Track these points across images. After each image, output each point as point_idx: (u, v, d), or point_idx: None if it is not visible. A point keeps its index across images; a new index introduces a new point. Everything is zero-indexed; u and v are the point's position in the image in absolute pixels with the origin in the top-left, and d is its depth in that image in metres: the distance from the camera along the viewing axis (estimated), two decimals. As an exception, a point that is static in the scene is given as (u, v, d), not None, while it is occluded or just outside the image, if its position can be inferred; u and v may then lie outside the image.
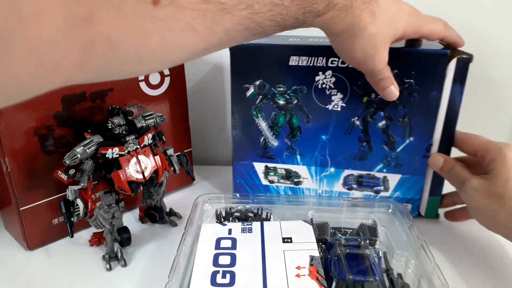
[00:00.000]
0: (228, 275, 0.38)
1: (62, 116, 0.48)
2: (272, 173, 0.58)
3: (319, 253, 0.41)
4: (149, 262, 0.48)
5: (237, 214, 0.49)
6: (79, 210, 0.45)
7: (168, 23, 0.27)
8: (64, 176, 0.45)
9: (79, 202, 0.45)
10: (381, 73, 0.44)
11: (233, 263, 0.39)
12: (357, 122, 0.52)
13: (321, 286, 0.36)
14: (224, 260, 0.40)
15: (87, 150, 0.44)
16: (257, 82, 0.53)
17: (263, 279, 0.37)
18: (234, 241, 0.43)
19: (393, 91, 0.45)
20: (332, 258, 0.40)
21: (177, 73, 0.58)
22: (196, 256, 0.41)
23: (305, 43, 0.52)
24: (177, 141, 0.61)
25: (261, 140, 0.56)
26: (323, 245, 0.44)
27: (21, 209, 0.48)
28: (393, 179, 0.55)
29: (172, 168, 0.52)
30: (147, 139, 0.48)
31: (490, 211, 0.43)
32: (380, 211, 0.50)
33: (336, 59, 0.50)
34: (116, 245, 0.49)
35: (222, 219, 0.49)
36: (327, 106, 0.52)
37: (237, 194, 0.52)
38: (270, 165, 0.58)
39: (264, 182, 0.59)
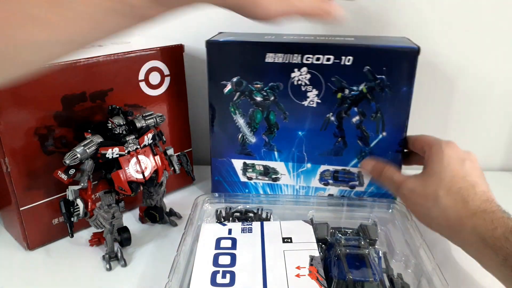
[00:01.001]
0: (228, 275, 0.38)
1: (62, 116, 0.48)
2: (250, 170, 0.58)
3: (319, 253, 0.41)
4: (149, 262, 0.48)
5: (237, 214, 0.49)
6: (79, 210, 0.45)
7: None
8: (64, 176, 0.45)
9: (79, 202, 0.45)
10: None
11: (233, 263, 0.39)
12: (332, 118, 0.53)
13: (321, 286, 0.36)
14: (224, 260, 0.40)
15: (87, 150, 0.44)
16: (234, 79, 0.54)
17: (263, 279, 0.37)
18: (234, 241, 0.43)
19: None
20: (332, 258, 0.40)
21: (177, 73, 0.58)
22: (196, 256, 0.41)
23: (280, 40, 0.52)
24: (177, 141, 0.61)
25: (239, 136, 0.57)
26: (323, 245, 0.44)
27: (21, 209, 0.48)
28: (366, 176, 0.56)
29: (172, 168, 0.52)
30: (147, 139, 0.48)
31: (425, 209, 0.44)
32: (380, 211, 0.50)
33: (311, 55, 0.51)
34: (116, 245, 0.49)
35: (222, 219, 0.49)
36: (303, 103, 0.53)
37: (238, 194, 0.52)
38: (248, 161, 0.58)
39: (243, 179, 0.59)
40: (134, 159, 0.47)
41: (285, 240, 0.43)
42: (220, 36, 0.55)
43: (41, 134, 0.47)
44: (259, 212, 0.49)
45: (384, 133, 0.53)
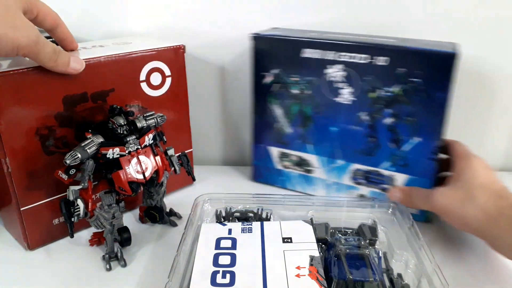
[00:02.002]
0: (228, 275, 0.38)
1: (63, 116, 0.48)
2: (285, 159, 0.61)
3: (319, 253, 0.41)
4: (149, 262, 0.48)
5: (237, 214, 0.49)
6: (79, 210, 0.45)
7: None
8: (64, 176, 0.45)
9: (79, 202, 0.45)
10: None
11: (233, 263, 0.39)
12: (365, 117, 0.54)
13: (321, 286, 0.36)
14: (224, 260, 0.40)
15: (88, 150, 0.44)
16: (274, 71, 0.56)
17: (263, 279, 0.37)
18: (234, 241, 0.43)
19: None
20: (332, 258, 0.40)
21: (178, 74, 0.58)
22: (196, 256, 0.41)
23: (318, 37, 0.54)
24: (178, 141, 0.61)
25: (277, 126, 0.60)
26: (323, 245, 0.44)
27: (21, 209, 0.48)
28: (400, 178, 0.55)
29: (173, 168, 0.52)
30: (148, 139, 0.48)
31: (461, 210, 0.45)
32: (380, 211, 0.50)
33: (347, 53, 0.51)
34: (116, 245, 0.49)
35: (222, 219, 0.49)
36: (337, 99, 0.54)
37: (237, 194, 0.51)
38: (284, 150, 0.61)
39: (279, 166, 0.62)
40: (134, 159, 0.47)
41: (285, 240, 0.43)
42: (268, 31, 0.59)
43: (42, 134, 0.47)
44: (259, 212, 0.49)
45: (418, 138, 0.52)
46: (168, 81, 0.57)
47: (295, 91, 0.56)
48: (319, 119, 0.57)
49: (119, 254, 0.48)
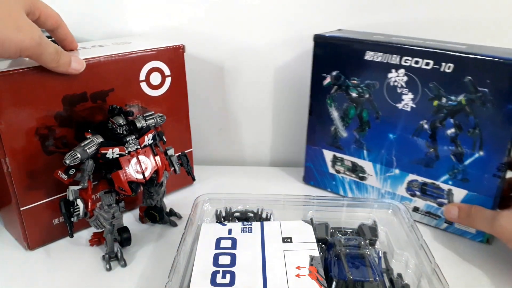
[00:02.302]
0: (228, 275, 0.38)
1: (62, 116, 0.48)
2: (339, 163, 0.60)
3: (319, 253, 0.41)
4: (149, 262, 0.48)
5: (237, 214, 0.49)
6: (79, 210, 0.45)
7: None
8: (64, 176, 0.45)
9: (79, 202, 0.45)
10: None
11: (233, 263, 0.39)
12: (426, 126, 0.51)
13: (321, 286, 0.36)
14: (224, 260, 0.40)
15: (88, 150, 0.44)
16: (334, 73, 0.56)
17: (263, 279, 0.37)
18: (234, 241, 0.43)
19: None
20: (332, 258, 0.40)
21: (178, 74, 0.58)
22: (196, 256, 0.41)
23: (383, 40, 0.52)
24: (178, 141, 0.61)
25: (332, 129, 0.59)
26: (323, 245, 0.44)
27: (21, 209, 0.48)
28: (459, 194, 0.51)
29: (173, 168, 0.52)
30: (148, 139, 0.48)
31: None
32: (380, 211, 0.50)
33: (410, 58, 0.50)
34: (116, 245, 0.49)
35: (222, 219, 0.49)
36: (397, 105, 0.52)
37: (237, 194, 0.51)
38: (338, 155, 0.60)
39: (331, 170, 0.61)
40: (134, 159, 0.47)
41: (285, 240, 0.43)
42: (331, 32, 0.58)
43: (41, 134, 0.47)
44: (259, 212, 0.49)
45: (481, 152, 0.48)
46: (168, 81, 0.57)
47: (354, 94, 0.55)
48: (377, 124, 0.55)
49: (119, 254, 0.48)
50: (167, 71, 0.57)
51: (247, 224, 0.45)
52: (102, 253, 0.49)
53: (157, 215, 0.54)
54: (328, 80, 0.57)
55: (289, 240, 0.42)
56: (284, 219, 0.47)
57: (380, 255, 0.43)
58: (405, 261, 0.43)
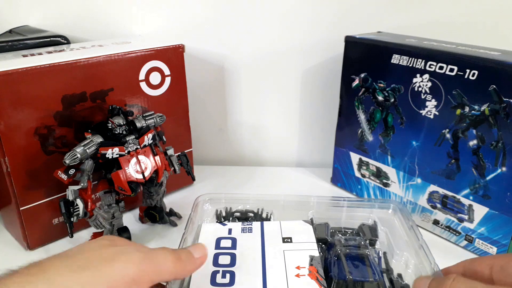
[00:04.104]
0: (228, 275, 0.38)
1: (62, 116, 0.48)
2: (364, 168, 0.60)
3: (319, 253, 0.41)
4: (149, 262, 0.48)
5: (237, 214, 0.49)
6: (79, 210, 0.45)
7: None
8: (64, 176, 0.45)
9: (79, 202, 0.45)
10: None
11: (233, 263, 0.39)
12: (448, 135, 0.49)
13: (321, 286, 0.36)
14: (224, 260, 0.40)
15: (87, 150, 0.44)
16: (362, 75, 0.56)
17: (263, 279, 0.37)
18: (234, 241, 0.42)
19: None
20: (332, 258, 0.40)
21: (178, 73, 0.58)
22: None
23: (409, 44, 0.52)
24: (177, 141, 0.61)
25: (359, 131, 0.60)
26: (323, 245, 0.44)
27: (21, 209, 0.48)
28: (480, 210, 0.49)
29: (172, 168, 0.52)
30: (147, 139, 0.48)
31: None
32: (381, 211, 0.49)
33: (434, 63, 0.49)
34: (116, 245, 0.49)
35: (222, 219, 0.49)
36: (421, 111, 0.51)
37: (238, 194, 0.51)
38: (364, 158, 0.60)
39: (357, 174, 0.62)
40: (134, 159, 0.47)
41: (285, 240, 0.43)
42: (365, 34, 0.58)
43: (41, 134, 0.47)
44: (259, 212, 0.49)
45: (504, 168, 0.45)
46: (168, 80, 0.57)
47: (380, 97, 0.55)
48: (401, 130, 0.54)
49: (118, 254, 0.48)
50: (166, 71, 0.56)
51: (247, 224, 0.45)
52: (102, 253, 0.48)
53: (157, 215, 0.54)
54: (356, 82, 0.57)
55: (289, 240, 0.42)
56: (284, 219, 0.47)
57: (380, 255, 0.42)
58: (405, 261, 0.43)
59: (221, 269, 0.38)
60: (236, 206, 0.50)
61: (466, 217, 0.50)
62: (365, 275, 0.38)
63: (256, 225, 0.45)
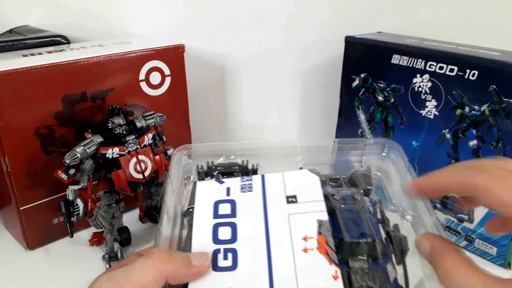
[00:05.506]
0: (230, 255, 0.33)
1: (62, 115, 0.48)
2: None
3: (328, 215, 0.34)
4: (149, 262, 0.48)
5: (220, 168, 0.42)
6: (79, 210, 0.45)
7: None
8: (64, 176, 0.45)
9: (79, 202, 0.45)
10: None
11: (234, 237, 0.34)
12: (448, 135, 0.49)
13: (331, 263, 0.31)
14: (225, 233, 0.34)
15: (87, 150, 0.44)
16: (362, 75, 0.56)
17: (268, 260, 0.32)
18: (233, 205, 0.37)
19: None
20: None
21: (178, 73, 0.58)
22: (194, 230, 0.35)
23: (409, 44, 0.52)
24: (178, 141, 0.60)
25: (359, 132, 0.59)
26: None
27: (21, 208, 0.48)
28: (479, 211, 0.49)
29: (172, 168, 0.52)
30: (147, 139, 0.48)
31: None
32: (373, 153, 0.43)
33: (434, 63, 0.49)
34: (116, 245, 0.49)
35: (205, 176, 0.42)
36: (421, 111, 0.51)
37: (217, 144, 0.45)
38: None
39: None
40: (134, 159, 0.47)
41: (290, 200, 0.36)
42: (364, 34, 0.58)
43: (41, 134, 0.47)
44: (245, 164, 0.42)
45: None
46: (168, 80, 0.57)
47: (380, 97, 0.55)
48: (401, 130, 0.54)
49: (119, 254, 0.48)
50: (167, 71, 0.56)
51: (246, 180, 0.39)
52: (102, 253, 0.48)
53: (157, 215, 0.54)
54: (356, 82, 0.57)
55: (294, 200, 0.36)
56: (271, 169, 0.41)
57: (375, 202, 0.37)
58: (402, 211, 0.37)
59: (222, 247, 0.33)
60: (217, 159, 0.42)
61: (465, 217, 0.50)
62: (363, 233, 0.33)
63: (256, 180, 0.38)
